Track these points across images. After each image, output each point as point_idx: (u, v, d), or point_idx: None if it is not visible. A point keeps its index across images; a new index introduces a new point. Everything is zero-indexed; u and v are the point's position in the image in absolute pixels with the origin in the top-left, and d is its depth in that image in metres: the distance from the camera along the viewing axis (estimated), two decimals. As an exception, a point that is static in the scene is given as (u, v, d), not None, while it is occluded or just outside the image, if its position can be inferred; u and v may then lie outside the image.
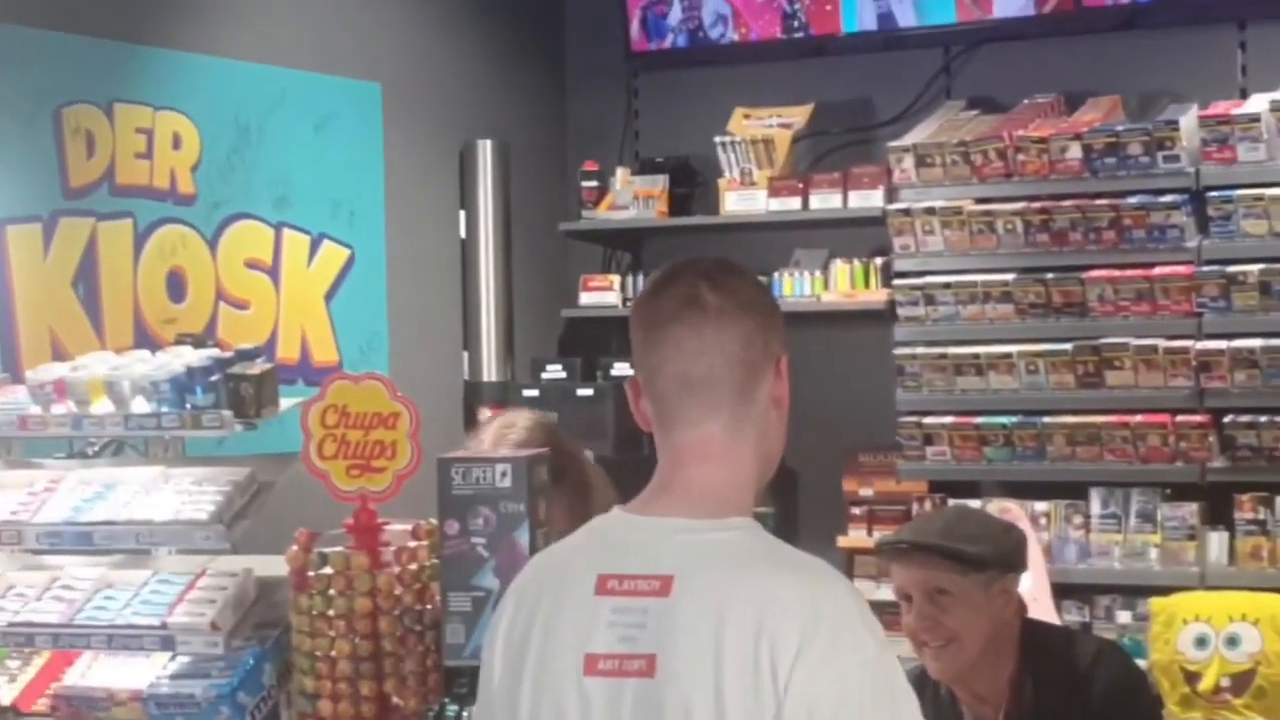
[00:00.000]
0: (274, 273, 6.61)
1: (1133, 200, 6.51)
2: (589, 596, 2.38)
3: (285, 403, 3.89)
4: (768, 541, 2.42)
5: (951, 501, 6.84)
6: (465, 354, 7.60)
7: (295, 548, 3.46)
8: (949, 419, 6.82)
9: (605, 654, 2.34)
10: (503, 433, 4.36)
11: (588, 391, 7.31)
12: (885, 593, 7.06)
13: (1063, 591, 6.47)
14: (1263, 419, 6.34)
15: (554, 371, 7.62)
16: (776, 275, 7.43)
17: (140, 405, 3.78)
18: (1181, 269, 6.46)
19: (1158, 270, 6.49)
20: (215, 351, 3.89)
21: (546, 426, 4.50)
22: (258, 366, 3.80)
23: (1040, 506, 6.72)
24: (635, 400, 2.52)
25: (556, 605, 2.43)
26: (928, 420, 6.85)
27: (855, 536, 7.26)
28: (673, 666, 2.29)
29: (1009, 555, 3.82)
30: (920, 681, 3.74)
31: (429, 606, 3.41)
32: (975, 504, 6.83)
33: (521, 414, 4.55)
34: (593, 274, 7.89)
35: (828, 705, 2.24)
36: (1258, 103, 6.50)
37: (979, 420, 6.77)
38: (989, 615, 3.74)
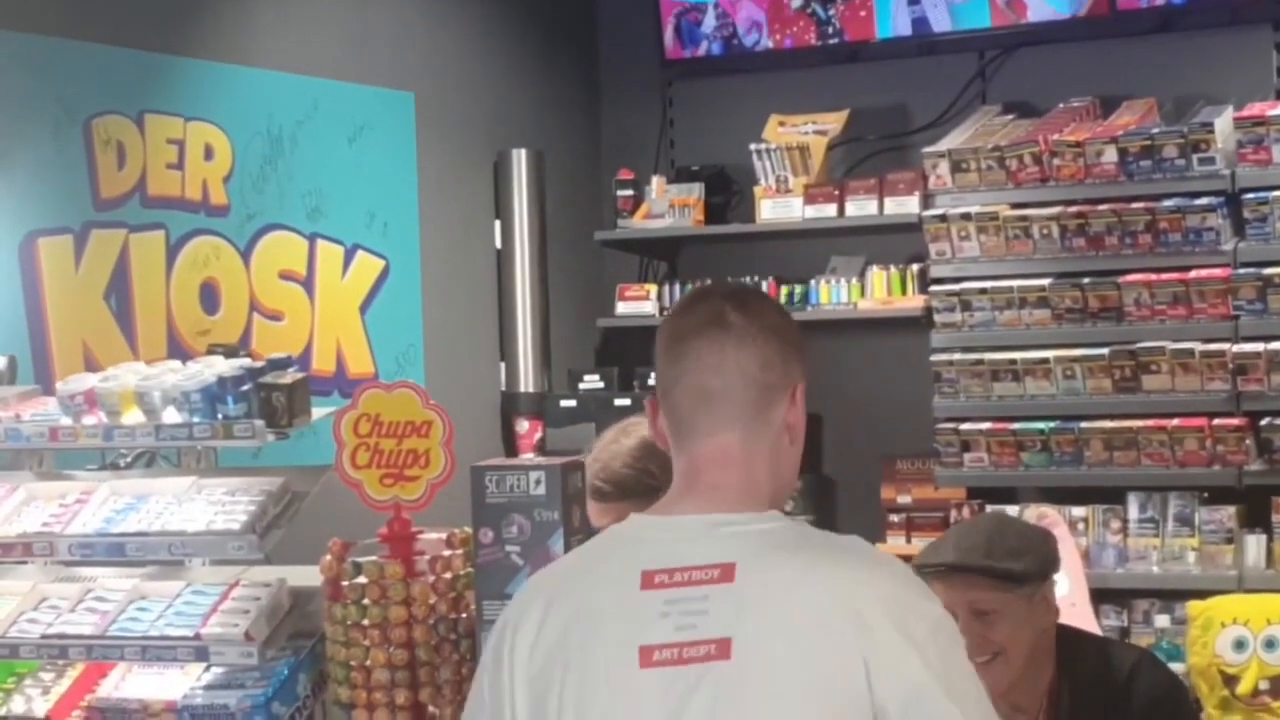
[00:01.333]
0: (308, 284, 6.62)
1: (1168, 203, 6.48)
2: (634, 592, 2.40)
3: (318, 412, 3.90)
4: (816, 530, 2.50)
5: (987, 508, 6.83)
6: (502, 365, 7.59)
7: (329, 557, 3.47)
8: (986, 425, 6.80)
9: (661, 644, 2.36)
10: (611, 440, 4.23)
11: (625, 401, 7.28)
12: (924, 600, 7.08)
13: (1101, 596, 6.43)
14: (1300, 422, 6.31)
15: (591, 382, 7.61)
16: (813, 283, 7.42)
17: (171, 415, 3.79)
18: (1218, 272, 6.42)
19: (1194, 273, 6.46)
20: (247, 361, 3.90)
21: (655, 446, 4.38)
22: (289, 376, 3.80)
23: (1078, 511, 6.70)
24: (653, 418, 2.57)
25: (596, 605, 2.43)
26: (965, 426, 6.83)
27: (894, 544, 7.24)
28: (752, 647, 2.33)
29: (1048, 563, 3.80)
30: None
31: (464, 615, 3.41)
32: (1012, 510, 6.81)
33: (641, 424, 4.41)
34: (629, 283, 7.88)
35: (911, 675, 2.32)
36: (1293, 104, 6.47)
37: (1016, 426, 6.74)
38: (1033, 627, 3.71)
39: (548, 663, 2.44)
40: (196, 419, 3.78)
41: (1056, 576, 6.23)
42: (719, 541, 2.40)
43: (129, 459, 4.41)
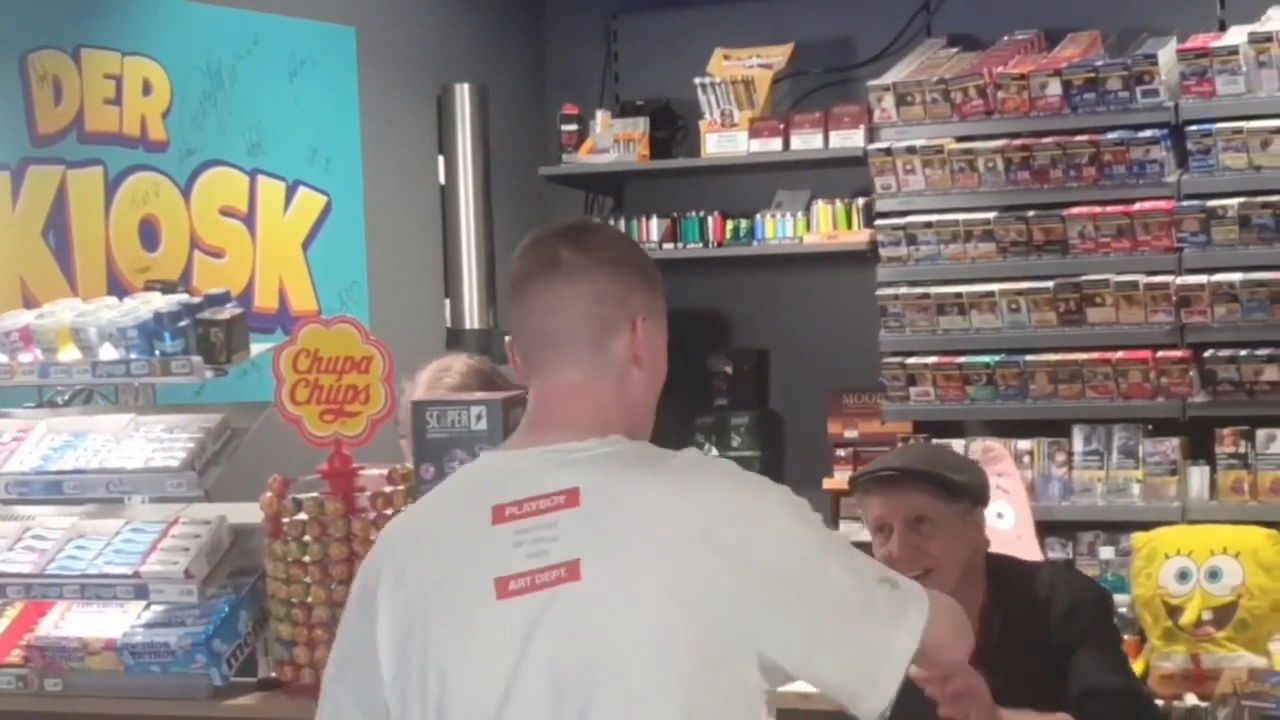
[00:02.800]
0: (249, 220, 6.56)
1: (1112, 136, 6.48)
2: (487, 528, 2.42)
3: (256, 348, 3.88)
4: (659, 450, 2.50)
5: (933, 442, 6.85)
6: (447, 301, 7.56)
7: (269, 494, 3.45)
8: (932, 359, 6.80)
9: (516, 574, 2.38)
10: (438, 376, 4.34)
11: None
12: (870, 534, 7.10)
13: (1046, 529, 6.47)
14: (1243, 353, 6.33)
15: (536, 317, 7.56)
16: (759, 217, 7.40)
17: (108, 352, 3.76)
18: (1161, 204, 6.43)
19: (1138, 206, 6.46)
20: (184, 297, 3.87)
21: (483, 370, 4.49)
22: (227, 312, 3.78)
23: (1023, 445, 6.71)
24: (512, 356, 2.61)
25: (451, 544, 2.46)
26: (911, 361, 6.83)
27: (841, 478, 7.23)
28: (599, 565, 2.36)
29: (982, 488, 3.89)
30: None
31: (405, 551, 3.39)
32: (959, 443, 6.83)
33: (458, 357, 4.54)
34: (574, 219, 7.83)
35: (766, 562, 2.37)
36: (1236, 35, 6.46)
37: (962, 360, 6.75)
38: (967, 544, 3.78)
39: (409, 606, 2.45)
40: (134, 355, 3.76)
41: (1002, 509, 6.30)
42: (566, 469, 2.43)
43: (66, 396, 4.37)
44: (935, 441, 6.41)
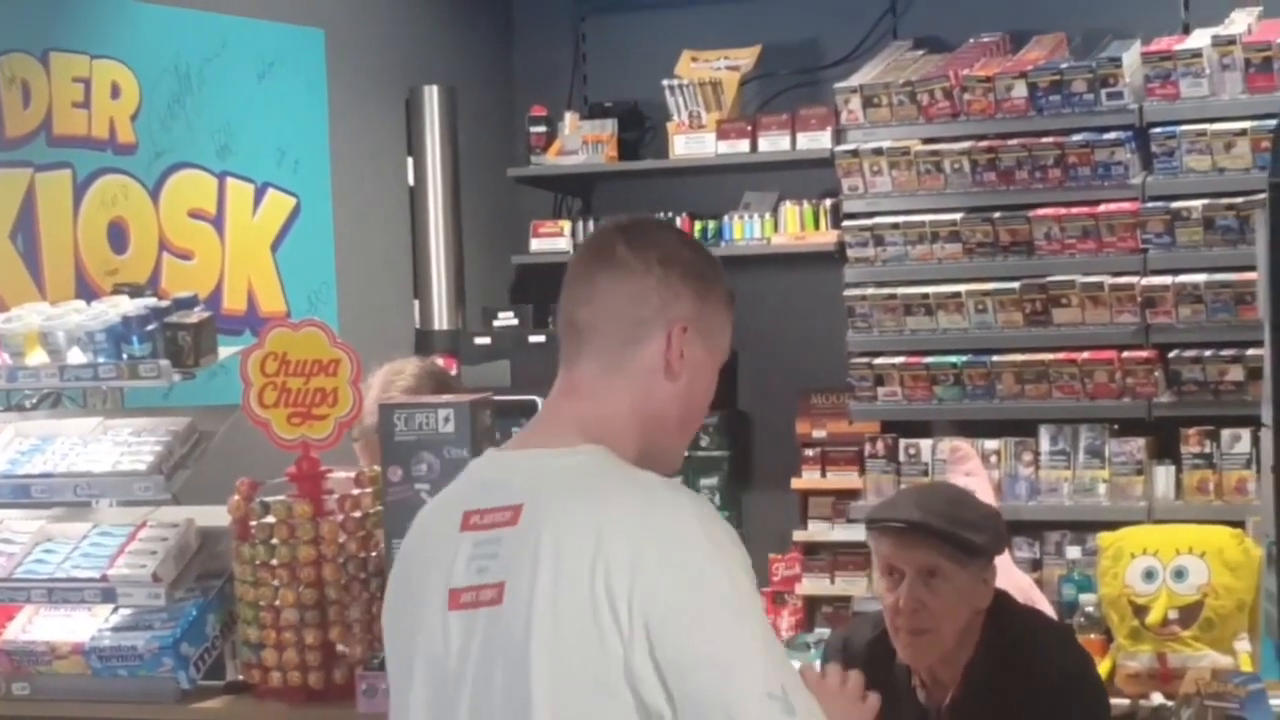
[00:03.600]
0: (218, 223, 6.55)
1: (1077, 138, 6.52)
2: (456, 533, 2.40)
3: (224, 351, 3.88)
4: (613, 464, 2.40)
5: (900, 442, 6.88)
6: (416, 303, 7.56)
7: (237, 497, 3.46)
8: (899, 359, 6.83)
9: (465, 587, 2.36)
10: (390, 380, 4.35)
11: (539, 338, 7.28)
12: (839, 534, 7.14)
13: (1013, 529, 6.44)
14: (1207, 353, 6.38)
15: (506, 319, 7.59)
16: (727, 219, 7.43)
17: (76, 356, 3.76)
18: (1126, 205, 6.47)
19: (1103, 207, 6.50)
20: (151, 300, 3.87)
21: (435, 374, 4.51)
22: (195, 315, 3.78)
23: (990, 444, 6.75)
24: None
25: (430, 547, 2.46)
26: (878, 361, 6.86)
27: (809, 478, 7.29)
28: (517, 593, 2.31)
29: (1001, 543, 3.77)
30: (878, 650, 3.73)
31: (374, 554, 3.42)
32: (926, 443, 6.86)
33: (410, 361, 4.56)
34: (543, 220, 7.86)
35: (662, 614, 2.23)
36: (1200, 38, 6.50)
37: (929, 360, 6.78)
38: (970, 605, 3.69)
39: (394, 600, 2.50)
40: (101, 359, 3.75)
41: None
42: (527, 480, 2.38)
43: (34, 400, 4.36)
44: (948, 484, 6.00)
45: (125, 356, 3.75)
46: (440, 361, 5.68)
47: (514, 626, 2.29)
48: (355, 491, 3.45)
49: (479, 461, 2.57)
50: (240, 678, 3.54)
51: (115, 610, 3.62)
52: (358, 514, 3.43)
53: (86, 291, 5.75)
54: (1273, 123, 5.85)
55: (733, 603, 2.27)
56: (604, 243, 2.48)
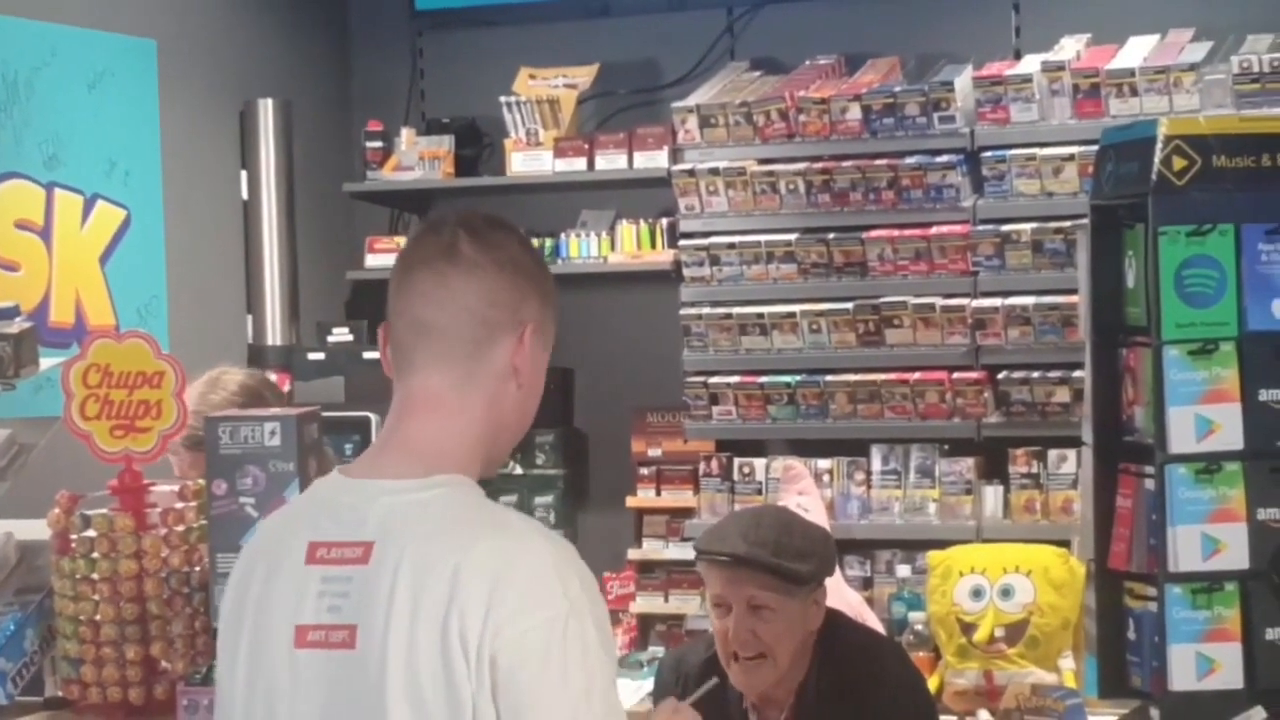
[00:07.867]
0: (45, 234, 6.44)
1: (910, 160, 6.59)
2: (300, 565, 2.33)
3: (46, 362, 3.82)
4: (470, 500, 2.35)
5: (735, 461, 6.90)
6: (249, 317, 7.49)
7: (57, 510, 3.40)
8: (734, 378, 6.87)
9: (314, 625, 2.29)
10: (205, 393, 4.26)
11: (374, 354, 7.20)
12: (674, 552, 7.15)
13: (845, 547, 6.54)
14: (1035, 375, 6.47)
15: (340, 335, 7.52)
16: (563, 236, 7.42)
17: (-109, 366, 3.68)
18: (958, 228, 6.55)
19: (935, 230, 6.58)
20: (-30, 310, 3.80)
21: (253, 387, 4.39)
22: (16, 325, 3.71)
23: (823, 464, 6.80)
24: (383, 346, 2.48)
25: (270, 575, 2.37)
26: (714, 380, 6.89)
27: (644, 496, 7.30)
28: (371, 638, 2.25)
29: (829, 567, 3.81)
30: (711, 670, 3.73)
31: (197, 568, 3.37)
32: (760, 462, 6.90)
33: (229, 371, 4.45)
34: (379, 235, 7.81)
35: (510, 665, 2.20)
36: (1030, 63, 6.61)
37: (763, 379, 6.82)
38: (803, 628, 3.73)
39: (231, 637, 2.41)
40: (-82, 369, 3.68)
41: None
42: (374, 514, 2.31)
43: None
44: (776, 509, 5.93)
45: (-58, 367, 3.67)
46: (273, 376, 5.61)
47: (369, 671, 2.24)
48: (179, 505, 3.41)
49: (322, 485, 2.46)
50: (59, 693, 3.47)
51: (-70, 626, 3.54)
52: (181, 528, 3.38)
53: (-93, 302, 5.62)
54: (1099, 148, 5.94)
55: (581, 664, 2.23)
56: (447, 240, 2.40)
